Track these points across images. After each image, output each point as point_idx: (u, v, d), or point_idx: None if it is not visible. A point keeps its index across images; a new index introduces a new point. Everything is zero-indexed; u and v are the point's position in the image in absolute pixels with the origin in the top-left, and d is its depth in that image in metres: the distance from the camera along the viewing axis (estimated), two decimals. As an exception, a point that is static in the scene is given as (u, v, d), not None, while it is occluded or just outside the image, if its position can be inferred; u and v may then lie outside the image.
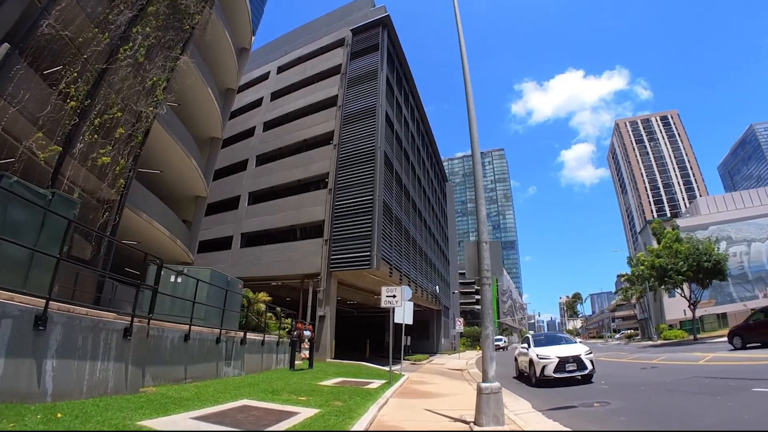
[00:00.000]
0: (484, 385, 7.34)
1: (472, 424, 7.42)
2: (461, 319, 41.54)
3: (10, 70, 11.72)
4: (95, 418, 5.54)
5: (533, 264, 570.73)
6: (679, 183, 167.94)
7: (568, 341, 16.45)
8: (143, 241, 21.56)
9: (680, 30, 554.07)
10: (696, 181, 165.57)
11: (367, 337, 42.32)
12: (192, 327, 10.81)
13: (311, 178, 32.60)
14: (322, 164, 32.03)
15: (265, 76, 44.31)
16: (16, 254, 6.59)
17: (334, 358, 26.04)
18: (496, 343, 64.66)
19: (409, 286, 20.67)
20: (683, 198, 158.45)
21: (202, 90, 24.80)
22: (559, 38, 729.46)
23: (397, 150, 35.74)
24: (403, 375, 17.40)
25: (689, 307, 44.55)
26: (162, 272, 13.59)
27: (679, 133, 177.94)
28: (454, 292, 71.54)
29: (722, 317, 61.87)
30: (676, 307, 63.04)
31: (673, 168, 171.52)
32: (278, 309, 24.91)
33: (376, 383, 13.57)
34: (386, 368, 20.03)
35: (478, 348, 71.38)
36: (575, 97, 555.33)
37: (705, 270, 40.59)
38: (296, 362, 19.14)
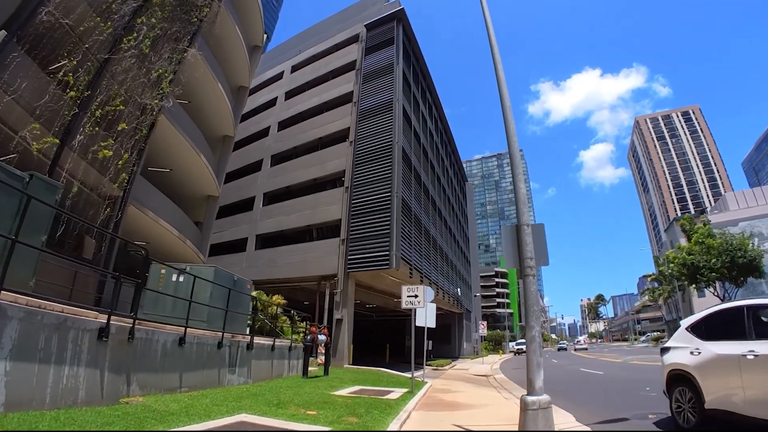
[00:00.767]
0: (530, 398, 6.02)
1: (516, 446, 6.11)
2: (484, 323, 40.04)
3: (6, 57, 11.18)
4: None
5: (553, 267, 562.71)
6: (703, 180, 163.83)
7: None
8: (150, 242, 20.82)
9: (698, 25, 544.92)
10: (720, 178, 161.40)
11: (387, 342, 41.00)
12: (189, 330, 9.68)
13: (327, 177, 31.48)
14: (338, 162, 30.91)
15: (279, 76, 43.52)
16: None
17: (352, 364, 24.80)
18: (519, 347, 63.82)
19: (430, 288, 19.40)
20: (708, 195, 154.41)
21: (212, 86, 24.09)
22: (576, 37, 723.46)
23: (415, 146, 34.51)
24: (426, 382, 16.09)
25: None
26: (163, 270, 12.72)
27: (701, 129, 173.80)
28: (476, 295, 69.89)
29: (756, 318, 59.19)
30: (706, 307, 60.49)
31: (696, 165, 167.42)
32: (293, 312, 23.89)
33: (396, 392, 12.31)
34: (407, 374, 18.76)
35: (501, 352, 69.99)
36: (593, 96, 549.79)
37: (739, 266, 38.52)
38: (311, 369, 17.96)
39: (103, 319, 6.86)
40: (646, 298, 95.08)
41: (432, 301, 18.31)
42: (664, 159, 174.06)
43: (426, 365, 20.78)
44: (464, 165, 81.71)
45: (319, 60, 39.78)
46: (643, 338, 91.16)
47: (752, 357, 5.56)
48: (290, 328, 21.52)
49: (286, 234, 31.90)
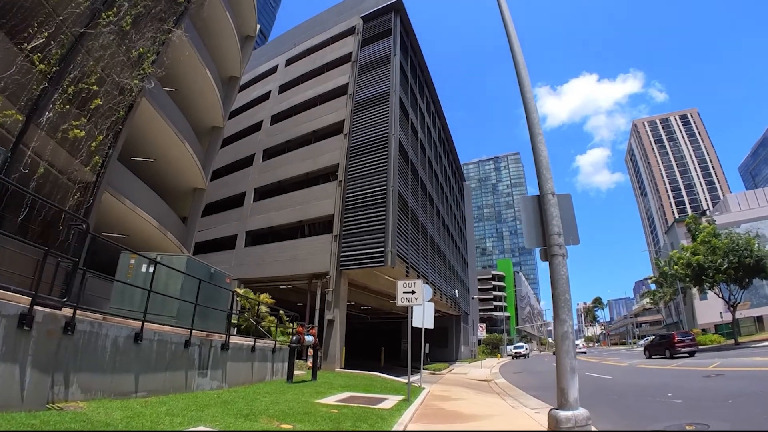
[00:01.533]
0: (563, 414, 4.65)
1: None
2: (483, 325, 38.65)
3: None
4: None
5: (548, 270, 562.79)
6: (701, 183, 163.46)
7: None
8: (128, 233, 19.60)
9: (693, 31, 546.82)
10: (719, 181, 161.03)
11: (382, 345, 39.49)
12: (148, 324, 8.32)
13: (320, 171, 30.09)
14: (331, 155, 29.51)
15: (273, 70, 42.28)
16: None
17: (344, 368, 23.33)
18: (517, 350, 62.46)
19: (428, 286, 17.96)
20: (706, 199, 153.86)
21: (200, 72, 22.90)
22: (573, 42, 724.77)
23: (412, 140, 33.16)
24: (423, 388, 14.70)
25: (729, 309, 40.94)
26: (132, 260, 11.33)
27: (699, 132, 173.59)
28: (473, 298, 68.50)
29: (758, 321, 58.14)
30: (708, 310, 59.78)
31: (695, 168, 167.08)
32: (282, 312, 22.54)
33: (390, 400, 10.91)
34: (402, 380, 17.37)
35: (499, 356, 68.58)
36: (590, 101, 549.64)
37: (746, 267, 37.17)
38: (299, 372, 16.58)
39: (17, 301, 5.47)
40: (647, 301, 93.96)
41: (430, 300, 16.96)
42: (662, 162, 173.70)
43: (423, 369, 19.42)
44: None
45: (315, 53, 38.55)
46: (641, 342, 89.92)
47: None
48: (277, 328, 20.22)
49: (276, 230, 30.45)
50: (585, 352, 65.29)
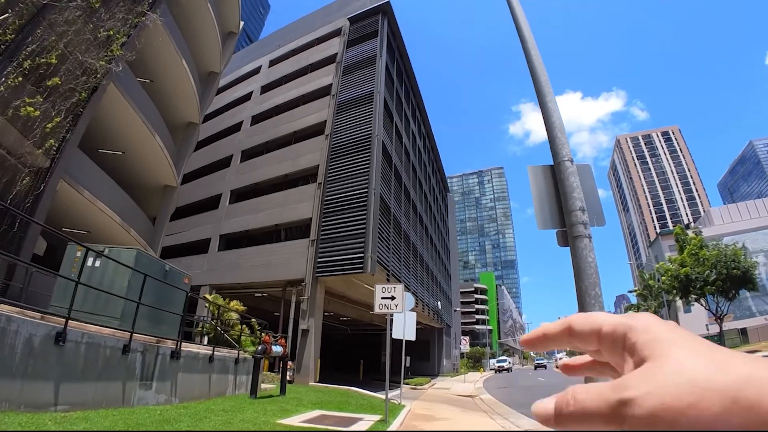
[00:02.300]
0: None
1: None
2: (466, 338, 37.20)
3: None
4: None
5: (531, 285, 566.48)
6: (682, 199, 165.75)
7: None
8: (88, 229, 18.29)
9: (675, 52, 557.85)
10: (699, 197, 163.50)
11: (362, 357, 37.88)
12: (74, 323, 6.92)
13: (299, 173, 28.66)
14: (311, 156, 28.12)
15: (256, 71, 40.94)
16: None
17: (318, 381, 21.74)
18: (500, 364, 61.20)
19: (410, 294, 16.57)
20: (687, 214, 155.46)
21: (176, 63, 21.77)
22: (558, 60, 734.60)
23: (396, 145, 31.88)
24: (404, 406, 13.31)
25: (716, 320, 40.27)
26: (78, 253, 9.89)
27: (680, 149, 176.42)
28: (455, 310, 67.15)
29: (742, 333, 57.78)
30: (693, 322, 59.22)
31: (676, 183, 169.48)
32: (254, 321, 21.07)
33: (366, 421, 9.57)
34: (381, 395, 15.99)
35: (481, 369, 67.11)
36: (573, 118, 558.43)
37: (733, 279, 36.55)
38: (267, 387, 15.12)
39: None
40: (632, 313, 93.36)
41: (412, 310, 15.67)
42: (644, 178, 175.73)
43: (403, 384, 18.02)
44: (446, 176, 79.31)
45: (299, 54, 37.35)
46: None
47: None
48: (249, 338, 18.81)
49: (251, 234, 28.86)
50: None
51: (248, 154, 33.36)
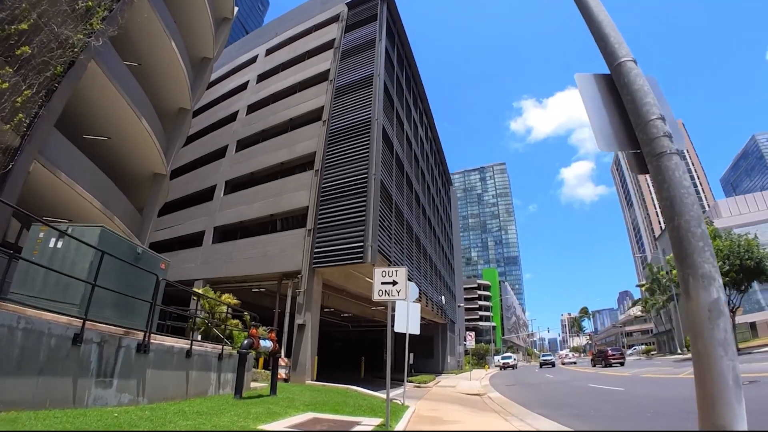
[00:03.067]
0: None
1: None
2: (472, 334, 35.81)
3: None
4: None
5: (534, 281, 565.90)
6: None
7: None
8: (68, 216, 17.02)
9: (678, 47, 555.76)
10: (703, 191, 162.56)
11: (363, 355, 36.49)
12: (6, 306, 5.65)
13: (296, 160, 27.24)
14: (308, 143, 26.72)
15: (252, 60, 39.60)
16: None
17: (316, 380, 20.34)
18: (505, 361, 59.82)
19: (414, 284, 15.16)
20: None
21: (165, 45, 20.71)
22: (563, 55, 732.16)
23: (398, 131, 30.46)
24: (407, 406, 11.98)
25: (729, 314, 38.84)
26: (41, 233, 8.61)
27: (684, 143, 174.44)
28: (459, 306, 65.85)
29: (752, 327, 56.51)
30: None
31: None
32: (246, 315, 19.80)
33: (364, 425, 8.27)
34: (382, 395, 14.68)
35: (486, 366, 65.75)
36: (575, 114, 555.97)
37: (746, 270, 35.21)
38: (257, 385, 13.83)
39: None
40: (638, 309, 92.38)
41: (417, 300, 14.34)
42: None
43: (407, 382, 16.71)
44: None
45: (296, 41, 35.91)
46: (629, 351, 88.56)
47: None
48: (243, 333, 17.49)
49: (246, 225, 27.47)
50: (575, 362, 63.23)
51: (244, 144, 32.02)
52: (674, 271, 41.05)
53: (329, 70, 29.92)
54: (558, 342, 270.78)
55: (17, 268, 8.54)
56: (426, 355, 46.14)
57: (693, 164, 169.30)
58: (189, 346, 9.91)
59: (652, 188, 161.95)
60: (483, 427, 9.64)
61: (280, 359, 20.37)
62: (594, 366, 43.26)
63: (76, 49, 13.44)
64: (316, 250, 22.02)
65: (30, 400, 5.99)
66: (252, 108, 34.19)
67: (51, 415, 5.87)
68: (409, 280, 10.49)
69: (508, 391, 20.49)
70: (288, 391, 13.97)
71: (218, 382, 11.25)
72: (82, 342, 6.86)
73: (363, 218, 21.25)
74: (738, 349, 35.87)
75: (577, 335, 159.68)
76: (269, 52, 38.21)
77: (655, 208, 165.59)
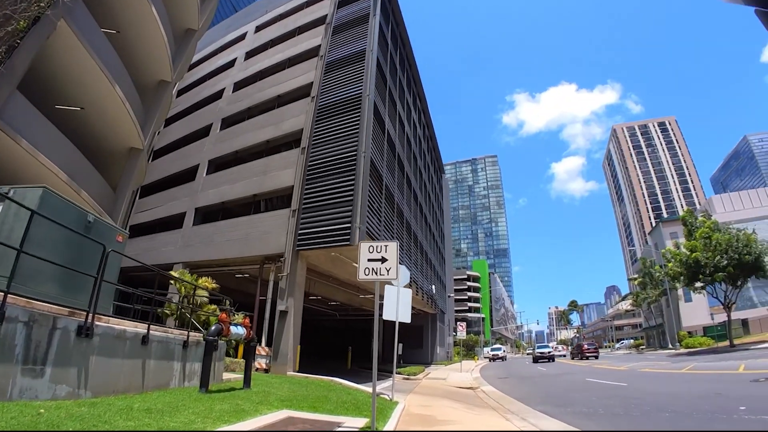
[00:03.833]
0: None
1: None
2: (463, 324, 34.66)
3: None
4: None
5: (521, 274, 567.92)
6: (677, 190, 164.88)
7: None
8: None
9: (671, 47, 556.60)
10: (694, 188, 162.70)
11: (352, 344, 35.19)
12: None
13: (282, 138, 25.73)
14: (296, 120, 25.23)
15: (241, 38, 37.94)
16: None
17: (298, 371, 18.99)
18: (494, 352, 58.99)
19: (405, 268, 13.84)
20: (682, 205, 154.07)
21: (145, 11, 19.57)
22: (555, 51, 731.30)
23: (390, 110, 28.99)
24: (397, 402, 10.76)
25: (724, 309, 38.08)
26: None
27: (677, 140, 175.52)
28: (450, 296, 64.81)
29: (743, 324, 56.02)
30: (693, 312, 57.97)
31: (671, 174, 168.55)
32: (226, 301, 18.50)
33: (347, 427, 7.00)
34: (369, 388, 13.46)
35: (476, 358, 64.88)
36: (567, 109, 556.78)
37: (743, 265, 34.33)
38: (229, 376, 12.56)
39: None
40: (627, 303, 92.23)
41: (408, 285, 13.08)
42: (640, 168, 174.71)
43: (396, 374, 15.47)
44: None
45: (287, 18, 34.38)
46: (617, 345, 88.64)
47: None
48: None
49: (228, 206, 25.98)
50: (565, 355, 62.58)
51: (229, 122, 30.48)
52: (669, 264, 40.10)
53: (320, 46, 28.44)
54: (545, 335, 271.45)
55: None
56: (415, 345, 45.05)
57: (685, 161, 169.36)
58: (145, 331, 8.56)
59: (643, 184, 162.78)
60: (482, 427, 8.45)
61: (260, 348, 19.11)
62: (573, 359, 46.99)
63: (42, 4, 12.46)
64: (300, 232, 20.62)
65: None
66: (239, 85, 32.64)
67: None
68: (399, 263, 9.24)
69: (502, 385, 19.37)
70: (265, 383, 12.68)
71: (183, 374, 9.94)
72: (3, 320, 5.53)
73: (351, 198, 19.86)
74: (733, 345, 35.18)
75: (565, 328, 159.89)
76: (259, 29, 36.66)
77: (646, 204, 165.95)
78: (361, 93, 23.16)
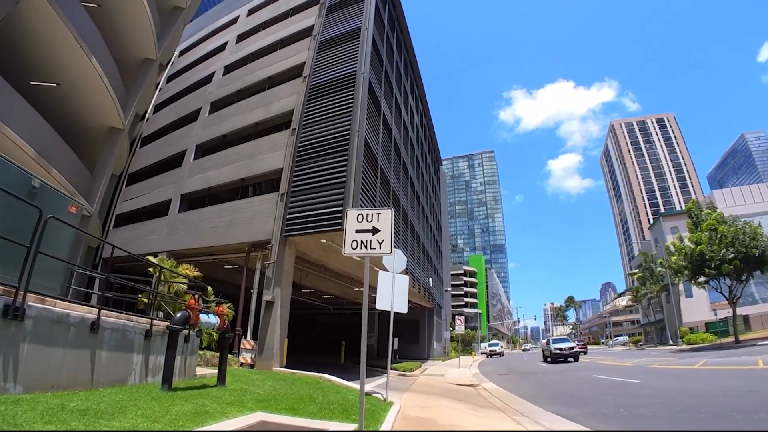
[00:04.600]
0: None
1: None
2: (462, 318, 33.39)
3: None
4: None
5: (517, 271, 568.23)
6: (675, 186, 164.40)
7: None
8: None
9: (669, 45, 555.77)
10: (692, 185, 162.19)
11: (346, 339, 33.75)
12: None
13: (272, 120, 24.31)
14: (286, 101, 23.83)
15: (233, 21, 36.53)
16: None
17: (285, 366, 17.64)
18: (491, 348, 57.83)
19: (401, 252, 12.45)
20: (680, 202, 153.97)
21: None
22: (554, 48, 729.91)
23: (386, 92, 27.56)
24: (391, 403, 9.48)
25: (729, 304, 36.96)
26: None
27: (675, 136, 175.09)
28: (446, 290, 63.55)
29: (745, 320, 55.09)
30: (694, 308, 57.05)
31: (669, 171, 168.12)
32: (209, 289, 17.23)
33: (329, 434, 5.73)
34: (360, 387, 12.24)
35: (473, 353, 63.78)
36: (564, 106, 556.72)
37: (750, 259, 33.17)
38: (204, 372, 11.31)
39: None
40: (625, 299, 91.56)
41: (404, 271, 11.83)
42: (638, 164, 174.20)
43: (391, 369, 14.17)
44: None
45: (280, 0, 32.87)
46: (611, 342, 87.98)
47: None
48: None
49: (215, 192, 24.52)
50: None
51: (218, 106, 29.02)
52: (673, 258, 38.92)
53: (313, 26, 27.04)
54: (540, 331, 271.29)
55: None
56: (411, 340, 43.74)
57: (683, 158, 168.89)
58: (95, 316, 7.23)
59: (641, 180, 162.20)
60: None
61: (245, 342, 17.82)
62: None
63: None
64: (288, 216, 19.19)
65: None
66: (229, 68, 31.25)
67: None
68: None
69: (503, 382, 18.13)
70: (245, 380, 11.40)
71: (145, 368, 8.65)
72: None
73: (343, 179, 18.43)
74: (738, 341, 34.06)
75: (561, 324, 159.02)
76: (251, 12, 35.23)
77: (644, 201, 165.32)
78: (355, 71, 21.76)
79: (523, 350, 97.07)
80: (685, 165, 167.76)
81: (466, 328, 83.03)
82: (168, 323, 8.36)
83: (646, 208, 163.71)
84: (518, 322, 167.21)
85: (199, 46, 38.51)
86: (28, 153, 14.44)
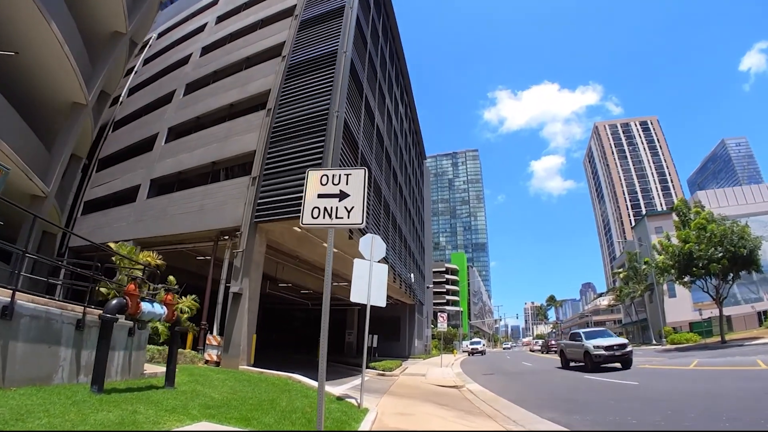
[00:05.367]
0: None
1: None
2: (445, 315, 32.21)
3: None
4: None
5: (499, 270, 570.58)
6: (657, 189, 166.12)
7: None
8: None
9: (653, 52, 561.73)
10: (674, 188, 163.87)
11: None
12: None
13: (248, 101, 22.78)
14: (263, 81, 22.38)
15: (214, 2, 34.62)
16: None
17: (253, 365, 16.26)
18: (473, 346, 56.89)
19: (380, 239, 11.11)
20: (661, 204, 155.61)
21: None
22: (539, 51, 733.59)
23: (370, 76, 26.12)
24: (367, 410, 8.24)
25: (716, 304, 36.37)
26: None
27: (658, 139, 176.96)
28: (428, 287, 62.47)
29: (727, 321, 55.05)
30: (678, 308, 56.99)
31: (652, 173, 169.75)
32: (171, 279, 15.90)
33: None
34: (336, 389, 10.97)
35: (455, 351, 62.80)
36: (549, 108, 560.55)
37: (738, 259, 32.58)
38: (153, 370, 9.98)
39: None
40: (606, 299, 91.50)
41: (383, 260, 10.61)
42: (621, 166, 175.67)
43: (368, 369, 12.83)
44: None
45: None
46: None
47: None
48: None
49: (185, 176, 22.95)
50: None
51: (193, 87, 27.39)
52: (660, 257, 38.31)
53: (295, 5, 25.59)
54: (521, 329, 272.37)
55: None
56: (392, 337, 42.44)
57: (665, 160, 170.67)
58: (8, 299, 5.90)
59: (624, 182, 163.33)
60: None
61: (211, 338, 16.46)
62: (542, 353, 51.29)
63: None
64: (259, 201, 17.71)
65: None
66: (207, 49, 29.65)
67: None
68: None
69: (488, 383, 16.99)
70: (203, 380, 10.07)
71: (77, 364, 7.31)
72: None
73: (319, 161, 16.86)
74: (724, 341, 33.42)
75: (542, 323, 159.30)
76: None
77: (626, 202, 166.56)
78: (336, 49, 20.36)
79: (504, 348, 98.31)
80: (668, 168, 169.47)
81: (447, 326, 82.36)
82: (101, 313, 6.96)
83: (628, 209, 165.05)
84: (499, 320, 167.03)
85: (178, 27, 36.77)
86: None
